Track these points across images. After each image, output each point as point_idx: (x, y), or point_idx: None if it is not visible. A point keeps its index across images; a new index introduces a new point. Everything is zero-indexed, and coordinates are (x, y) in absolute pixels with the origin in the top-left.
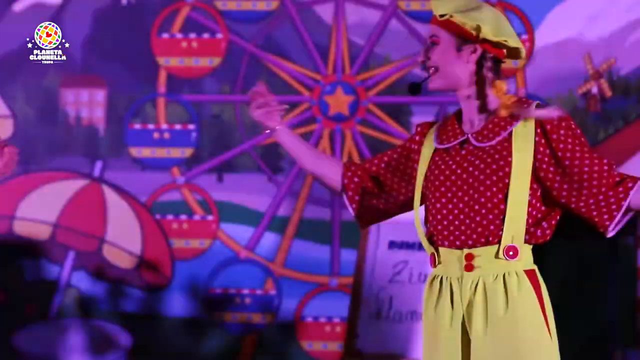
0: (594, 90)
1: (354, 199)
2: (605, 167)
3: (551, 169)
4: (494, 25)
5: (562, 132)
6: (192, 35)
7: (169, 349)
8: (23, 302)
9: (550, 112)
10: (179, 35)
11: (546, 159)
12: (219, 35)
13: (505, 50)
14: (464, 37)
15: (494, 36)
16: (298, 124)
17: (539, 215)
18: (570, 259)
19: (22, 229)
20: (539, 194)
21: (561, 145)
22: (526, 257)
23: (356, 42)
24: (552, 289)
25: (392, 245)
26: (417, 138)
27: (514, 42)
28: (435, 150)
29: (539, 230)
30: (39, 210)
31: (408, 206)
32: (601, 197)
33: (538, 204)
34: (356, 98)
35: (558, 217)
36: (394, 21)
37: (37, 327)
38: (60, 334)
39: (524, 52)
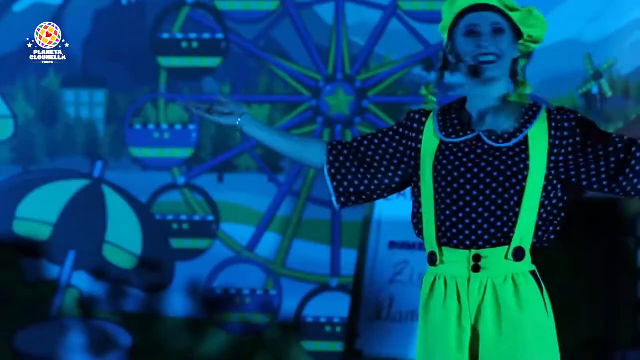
0: (594, 90)
1: (335, 177)
2: (617, 140)
3: (570, 157)
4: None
5: (572, 123)
6: (193, 36)
7: (169, 349)
8: (24, 302)
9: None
10: (179, 35)
11: (562, 150)
12: (219, 36)
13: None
14: (517, 32)
15: (541, 39)
16: (298, 124)
17: (545, 216)
18: (570, 260)
19: (22, 229)
20: (552, 195)
21: (572, 132)
22: (529, 258)
23: (356, 42)
24: (552, 289)
25: (393, 245)
26: (415, 126)
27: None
28: (442, 142)
29: (545, 235)
30: (39, 210)
31: (392, 191)
32: (627, 169)
33: (549, 207)
34: (356, 98)
35: (561, 223)
36: (395, 21)
37: (37, 327)
38: (60, 334)
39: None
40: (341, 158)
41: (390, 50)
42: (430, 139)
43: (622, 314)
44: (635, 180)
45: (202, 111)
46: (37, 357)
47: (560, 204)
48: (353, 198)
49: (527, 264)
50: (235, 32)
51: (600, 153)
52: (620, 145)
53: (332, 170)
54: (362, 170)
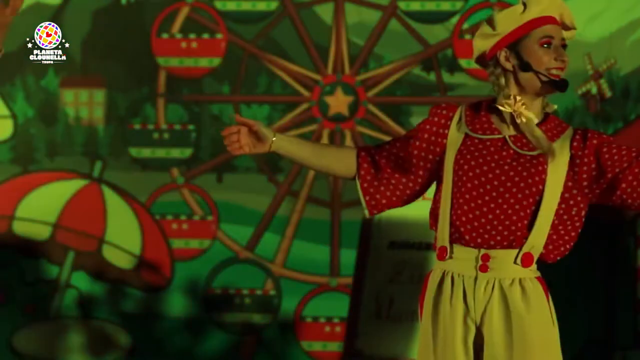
0: (594, 90)
1: (368, 191)
2: (626, 154)
3: (593, 173)
4: None
5: (593, 142)
6: (192, 36)
7: (168, 349)
8: (23, 302)
9: None
10: (179, 36)
11: (585, 166)
12: (219, 36)
13: None
14: None
15: None
16: (298, 125)
17: (562, 233)
18: (570, 260)
19: (22, 229)
20: (573, 212)
21: (592, 151)
22: (535, 266)
23: (356, 42)
24: (552, 289)
25: (392, 245)
26: (442, 121)
27: None
28: (467, 136)
29: (553, 253)
30: (39, 210)
31: (421, 194)
32: (624, 184)
33: (568, 221)
34: (356, 98)
35: (571, 248)
36: (394, 21)
37: (37, 327)
38: (60, 334)
39: None
40: (372, 171)
41: (389, 51)
42: (455, 133)
43: (622, 314)
44: (635, 195)
45: (238, 147)
46: (36, 357)
47: (577, 223)
48: (384, 209)
49: (534, 270)
50: (234, 32)
51: (608, 167)
52: (626, 158)
53: (365, 185)
54: (393, 181)
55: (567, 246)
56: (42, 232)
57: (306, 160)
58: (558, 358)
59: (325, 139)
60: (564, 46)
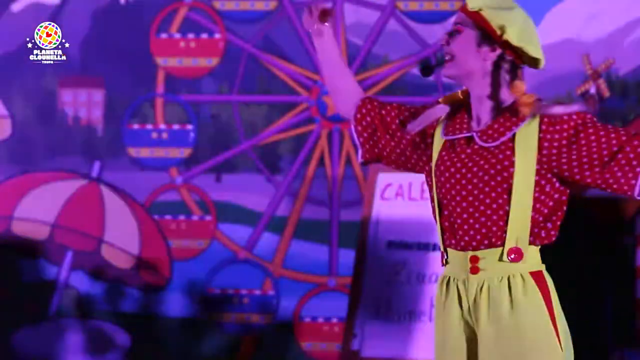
0: (592, 90)
1: (362, 134)
2: (613, 138)
3: (564, 149)
4: (519, 30)
5: (564, 117)
6: (191, 36)
7: (167, 349)
8: (22, 302)
9: (568, 109)
10: (177, 35)
11: (555, 143)
12: (217, 36)
13: (523, 57)
14: (487, 34)
15: (517, 41)
16: (296, 124)
17: (546, 212)
18: (570, 259)
19: (21, 229)
20: (547, 189)
21: (565, 128)
22: (532, 258)
23: (354, 42)
24: None
25: (391, 245)
26: (434, 124)
27: (534, 51)
28: (443, 142)
29: (543, 232)
30: (38, 210)
31: (408, 169)
32: (613, 163)
33: (547, 200)
34: None
35: (562, 218)
36: (392, 21)
37: (36, 327)
38: (58, 334)
39: (543, 63)
40: (368, 118)
41: (388, 51)
42: (437, 138)
43: (621, 314)
44: (620, 176)
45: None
46: (35, 357)
47: (560, 198)
48: (374, 157)
49: (529, 264)
50: (233, 32)
51: (593, 148)
52: (614, 140)
53: (359, 128)
54: (383, 141)
55: (554, 218)
56: (41, 232)
57: (324, 68)
58: (554, 353)
59: (323, 139)
60: (456, 31)
